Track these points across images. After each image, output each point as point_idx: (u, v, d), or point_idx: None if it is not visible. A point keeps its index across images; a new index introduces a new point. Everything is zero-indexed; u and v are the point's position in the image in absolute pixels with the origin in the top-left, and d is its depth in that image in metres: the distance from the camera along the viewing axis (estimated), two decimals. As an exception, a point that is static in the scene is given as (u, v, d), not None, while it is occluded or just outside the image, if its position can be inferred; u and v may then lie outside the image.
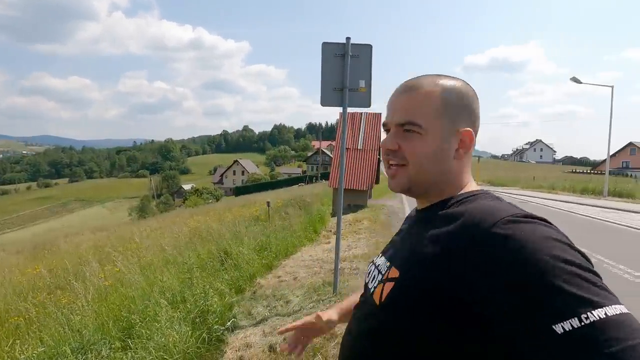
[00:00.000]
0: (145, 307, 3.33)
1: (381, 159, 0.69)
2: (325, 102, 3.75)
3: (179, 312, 3.27)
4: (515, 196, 18.29)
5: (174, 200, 59.45)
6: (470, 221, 0.56)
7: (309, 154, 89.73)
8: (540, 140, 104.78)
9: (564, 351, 0.41)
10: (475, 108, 0.69)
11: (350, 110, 3.83)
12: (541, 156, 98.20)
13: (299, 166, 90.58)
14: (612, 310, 0.42)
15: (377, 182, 15.80)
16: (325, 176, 48.09)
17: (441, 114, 0.65)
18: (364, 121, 14.57)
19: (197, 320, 3.21)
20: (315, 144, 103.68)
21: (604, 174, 20.06)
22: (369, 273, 0.78)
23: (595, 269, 0.48)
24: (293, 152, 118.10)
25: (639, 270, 5.00)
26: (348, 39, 3.68)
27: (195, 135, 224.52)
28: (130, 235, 9.90)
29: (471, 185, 0.69)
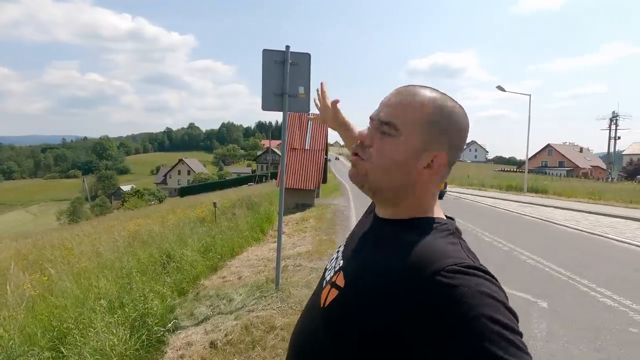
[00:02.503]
0: (79, 314, 3.24)
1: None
2: (266, 106, 3.91)
3: (117, 317, 3.23)
4: (451, 193, 19.87)
5: (111, 203, 55.25)
6: (418, 260, 0.56)
7: (259, 153, 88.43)
8: (475, 142, 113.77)
9: None
10: (459, 138, 0.66)
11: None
12: (476, 156, 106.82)
13: (248, 165, 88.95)
14: None
15: (324, 181, 16.20)
16: (275, 175, 47.80)
17: (423, 128, 0.63)
18: (312, 122, 14.87)
19: (136, 323, 3.20)
20: (265, 142, 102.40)
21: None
22: (331, 260, 0.77)
23: (517, 323, 0.52)
24: (242, 151, 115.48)
25: (540, 256, 5.83)
26: (287, 47, 3.88)
27: (135, 133, 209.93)
28: (61, 242, 9.17)
29: (435, 212, 0.67)
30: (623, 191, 18.83)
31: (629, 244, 7.02)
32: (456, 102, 0.67)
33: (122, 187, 66.01)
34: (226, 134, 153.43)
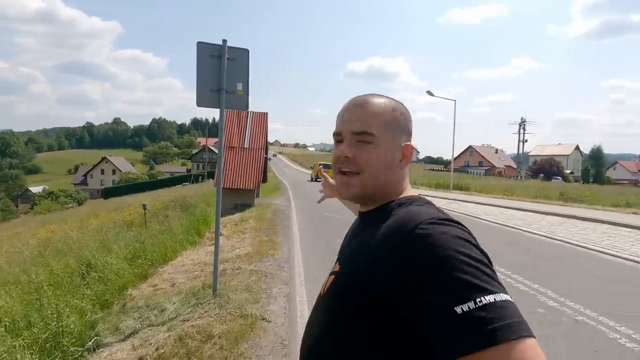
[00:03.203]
0: (-28, 340, 2.74)
1: (332, 166, 0.79)
2: (201, 102, 3.69)
3: (22, 339, 2.80)
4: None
5: (17, 207, 48.40)
6: (398, 223, 0.63)
7: (195, 151, 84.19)
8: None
9: (462, 326, 0.51)
10: (411, 127, 0.79)
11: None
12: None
13: (183, 164, 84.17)
14: (499, 297, 0.53)
15: (264, 180, 15.95)
16: (213, 175, 45.76)
17: (390, 127, 0.74)
18: (251, 120, 14.53)
19: (48, 345, 2.80)
20: (201, 140, 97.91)
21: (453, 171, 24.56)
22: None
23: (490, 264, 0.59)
24: (176, 149, 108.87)
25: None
26: (224, 41, 3.70)
27: (48, 127, 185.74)
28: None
29: (408, 191, 0.77)
30: (530, 188, 21.51)
31: (537, 234, 8.02)
32: (394, 99, 0.80)
33: (31, 188, 57.93)
34: (157, 130, 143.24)
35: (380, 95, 0.77)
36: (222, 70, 3.67)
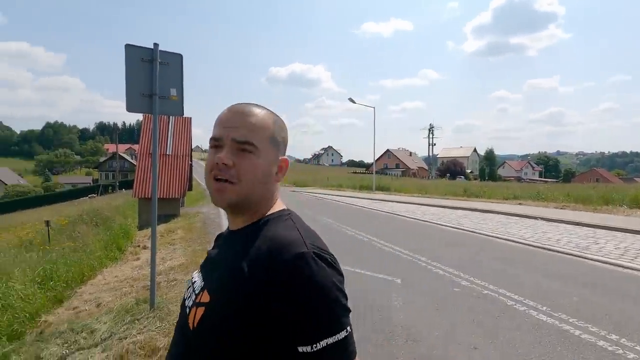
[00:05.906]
0: None
1: (206, 171, 0.74)
2: (131, 107, 3.52)
3: None
4: (316, 195, 21.45)
5: None
6: (271, 251, 0.64)
7: (102, 159, 75.66)
8: (331, 147, 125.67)
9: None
10: (287, 141, 0.80)
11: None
12: (332, 160, 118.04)
13: (88, 174, 74.91)
14: (335, 338, 0.61)
15: (190, 188, 15.20)
16: (126, 185, 41.54)
17: (272, 141, 0.74)
18: (173, 125, 13.75)
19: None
20: (110, 147, 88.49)
21: (373, 173, 26.25)
22: (188, 288, 0.79)
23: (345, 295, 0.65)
24: (78, 157, 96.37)
25: (391, 242, 7.00)
26: (156, 45, 3.59)
27: None
28: None
29: (277, 205, 0.77)
30: (439, 186, 24.14)
31: (448, 226, 9.12)
32: (272, 111, 0.79)
33: None
34: (53, 136, 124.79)
35: (260, 105, 0.77)
36: (154, 75, 3.55)
